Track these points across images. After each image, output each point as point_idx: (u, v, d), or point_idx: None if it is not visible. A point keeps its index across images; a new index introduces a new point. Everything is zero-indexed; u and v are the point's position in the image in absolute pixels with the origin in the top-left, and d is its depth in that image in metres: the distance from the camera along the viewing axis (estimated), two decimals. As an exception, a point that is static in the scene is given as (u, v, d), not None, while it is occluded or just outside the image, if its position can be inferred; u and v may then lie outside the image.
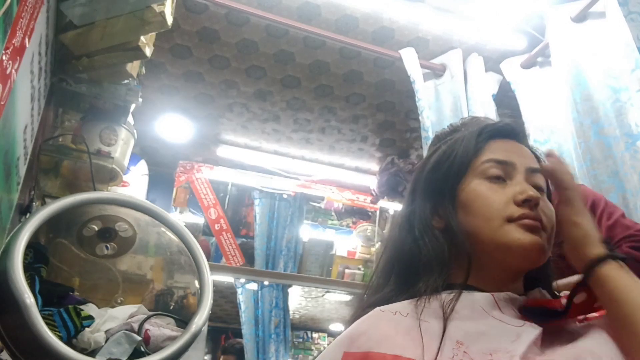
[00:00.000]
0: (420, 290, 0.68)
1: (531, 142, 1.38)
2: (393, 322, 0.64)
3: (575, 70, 1.89)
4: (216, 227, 4.01)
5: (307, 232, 4.30)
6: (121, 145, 1.74)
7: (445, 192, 0.74)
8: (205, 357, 4.96)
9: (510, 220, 0.69)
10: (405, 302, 0.68)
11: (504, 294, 0.67)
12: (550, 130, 2.06)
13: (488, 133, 0.77)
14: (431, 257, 0.71)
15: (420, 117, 2.18)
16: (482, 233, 0.70)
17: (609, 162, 1.70)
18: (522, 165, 0.73)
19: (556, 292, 0.74)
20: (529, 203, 0.69)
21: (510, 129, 0.78)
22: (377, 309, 0.67)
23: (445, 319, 0.62)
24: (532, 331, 0.61)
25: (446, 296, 0.66)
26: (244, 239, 4.25)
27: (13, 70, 0.96)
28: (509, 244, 0.68)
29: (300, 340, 5.53)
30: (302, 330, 5.57)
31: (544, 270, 0.76)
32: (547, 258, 0.75)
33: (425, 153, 2.08)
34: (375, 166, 3.67)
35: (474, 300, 0.66)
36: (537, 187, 0.73)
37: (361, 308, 0.71)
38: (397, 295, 0.71)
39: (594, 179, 1.73)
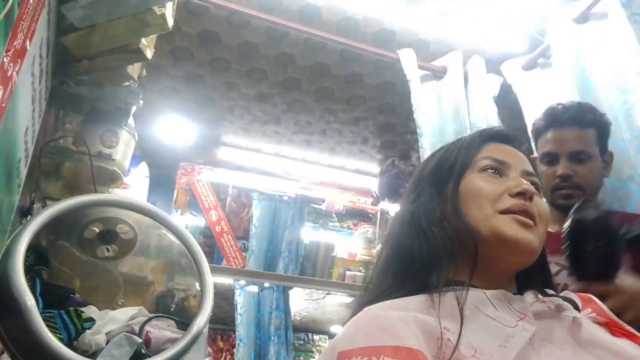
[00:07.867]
0: (432, 284, 0.68)
1: (534, 142, 1.37)
2: (386, 320, 0.63)
3: (580, 72, 1.86)
4: (217, 229, 4.01)
5: (308, 234, 4.30)
6: (122, 147, 1.74)
7: (447, 188, 0.75)
8: (206, 359, 4.96)
9: (503, 211, 0.70)
10: (398, 300, 0.67)
11: (496, 292, 0.67)
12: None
13: (486, 135, 0.80)
14: (439, 249, 0.71)
15: (414, 115, 2.16)
16: (477, 222, 0.71)
17: (625, 168, 1.61)
18: (518, 166, 0.76)
19: (548, 291, 0.73)
20: (523, 196, 0.71)
21: (507, 133, 0.82)
22: (367, 308, 0.66)
23: (461, 319, 0.61)
24: (524, 334, 0.60)
25: (451, 294, 0.65)
26: (245, 241, 4.25)
27: (14, 73, 0.96)
28: (501, 235, 0.69)
29: (302, 342, 5.51)
30: (303, 332, 5.55)
31: (536, 271, 0.76)
32: (542, 258, 0.75)
33: (421, 150, 2.08)
34: (376, 168, 3.67)
35: (467, 299, 0.65)
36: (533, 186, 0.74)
37: (360, 305, 0.71)
38: (394, 291, 0.70)
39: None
